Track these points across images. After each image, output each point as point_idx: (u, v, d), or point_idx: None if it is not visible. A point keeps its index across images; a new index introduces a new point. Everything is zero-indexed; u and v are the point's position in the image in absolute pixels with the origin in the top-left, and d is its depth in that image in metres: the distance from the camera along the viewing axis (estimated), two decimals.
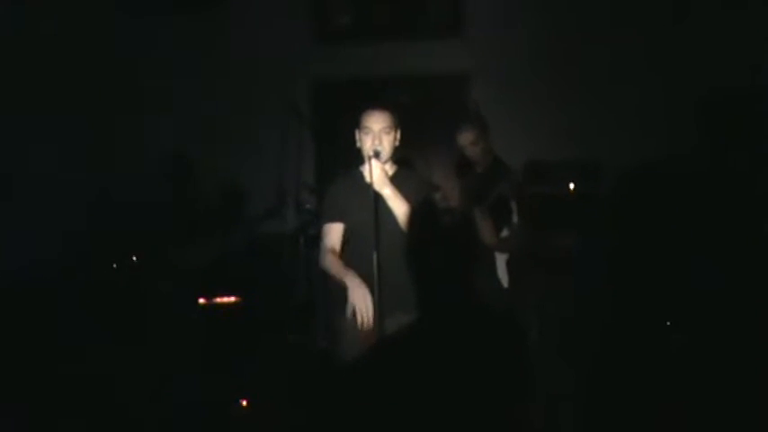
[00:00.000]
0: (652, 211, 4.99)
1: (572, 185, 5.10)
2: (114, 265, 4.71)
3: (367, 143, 3.25)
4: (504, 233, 4.47)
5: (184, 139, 5.54)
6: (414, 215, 2.92)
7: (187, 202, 5.11)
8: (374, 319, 2.95)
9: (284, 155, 5.56)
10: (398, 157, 3.43)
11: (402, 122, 3.36)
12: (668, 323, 4.58)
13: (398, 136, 3.33)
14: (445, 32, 5.91)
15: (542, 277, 4.78)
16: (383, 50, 5.85)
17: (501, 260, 4.46)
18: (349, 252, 3.29)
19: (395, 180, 3.27)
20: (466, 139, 4.56)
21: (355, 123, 3.34)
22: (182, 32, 5.85)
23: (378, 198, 3.14)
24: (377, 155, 3.19)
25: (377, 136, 3.24)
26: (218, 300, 4.75)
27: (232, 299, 4.77)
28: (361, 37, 5.93)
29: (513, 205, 4.52)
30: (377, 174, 3.15)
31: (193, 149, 5.36)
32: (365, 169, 3.19)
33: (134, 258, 4.67)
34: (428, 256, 2.24)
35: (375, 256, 2.99)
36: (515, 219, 4.52)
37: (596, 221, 5.01)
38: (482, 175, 4.58)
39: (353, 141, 3.35)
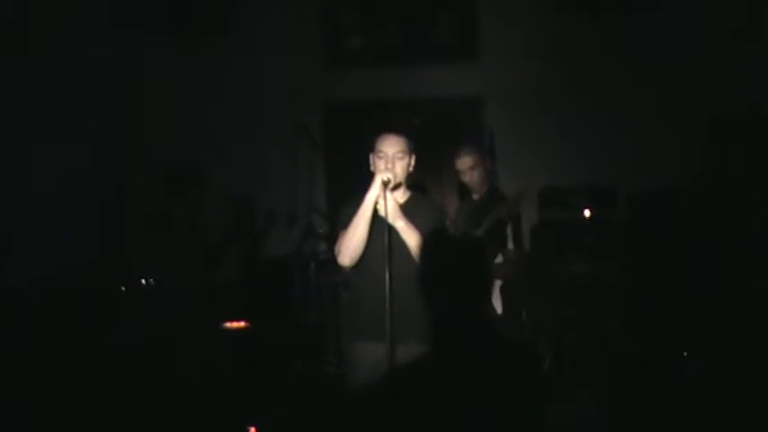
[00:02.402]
0: (667, 237, 4.94)
1: (587, 212, 5.05)
2: (123, 288, 4.68)
3: (380, 167, 3.19)
4: (499, 259, 4.43)
5: (195, 162, 5.51)
6: (425, 245, 2.87)
7: (198, 226, 5.09)
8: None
9: (295, 180, 5.54)
10: (412, 181, 3.38)
11: (416, 146, 3.31)
12: (685, 353, 4.52)
13: (413, 161, 3.28)
14: (460, 56, 5.89)
15: (540, 304, 4.75)
16: (396, 73, 5.84)
17: (494, 286, 4.43)
18: (361, 281, 3.25)
19: (408, 207, 3.24)
20: (464, 164, 4.52)
21: (367, 148, 3.29)
22: (195, 55, 5.85)
23: (390, 229, 3.10)
24: (386, 183, 3.13)
25: (390, 160, 3.19)
26: (228, 324, 4.71)
27: (241, 324, 4.73)
28: (374, 60, 5.92)
29: (509, 232, 4.49)
30: (390, 207, 3.11)
31: (204, 173, 5.34)
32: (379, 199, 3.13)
33: (143, 282, 4.64)
34: (441, 285, 2.19)
35: (387, 285, 2.95)
36: (510, 245, 4.49)
37: (611, 248, 4.96)
38: (477, 202, 4.55)
39: (365, 165, 3.30)
